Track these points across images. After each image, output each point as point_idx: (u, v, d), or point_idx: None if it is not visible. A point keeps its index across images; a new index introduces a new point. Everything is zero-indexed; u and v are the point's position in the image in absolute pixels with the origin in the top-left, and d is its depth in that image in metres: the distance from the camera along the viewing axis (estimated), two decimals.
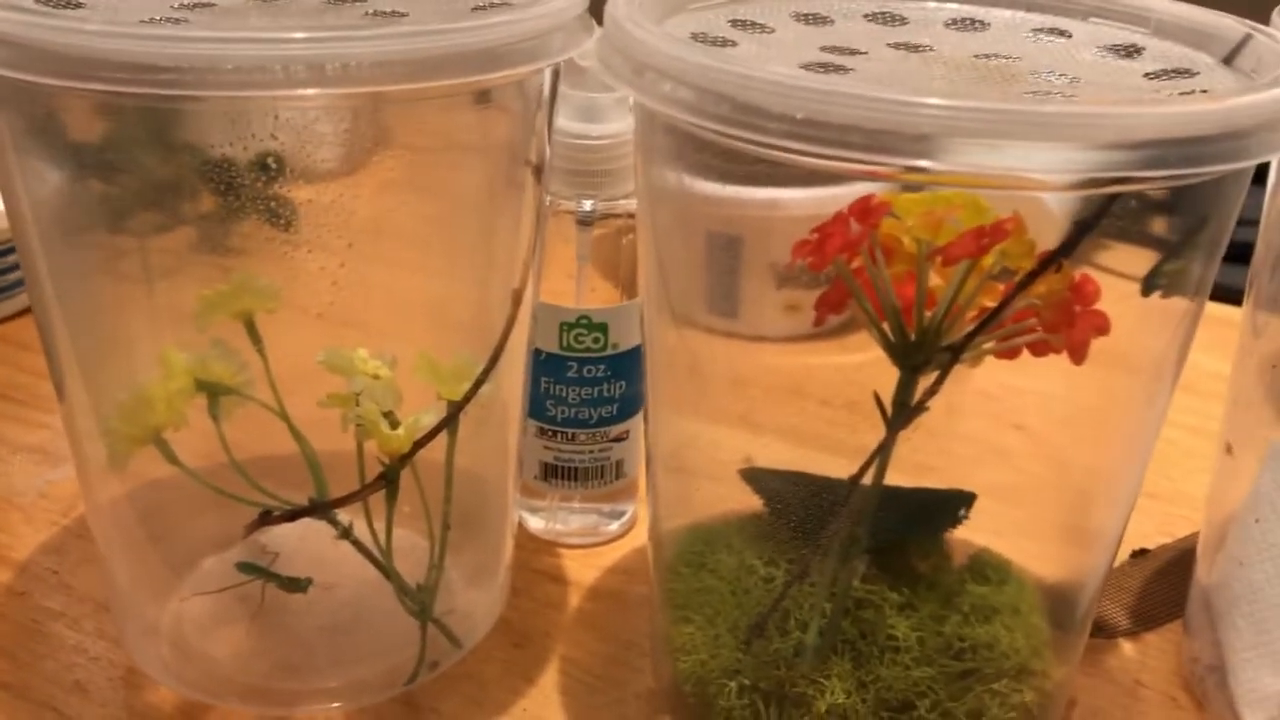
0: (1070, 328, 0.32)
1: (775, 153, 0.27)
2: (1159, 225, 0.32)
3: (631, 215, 0.42)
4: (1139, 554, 0.46)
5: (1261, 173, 0.36)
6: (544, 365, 0.43)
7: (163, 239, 0.37)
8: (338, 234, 0.36)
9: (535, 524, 0.47)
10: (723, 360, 0.38)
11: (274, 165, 0.34)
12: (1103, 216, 0.30)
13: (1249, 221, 0.36)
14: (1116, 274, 0.32)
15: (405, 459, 0.35)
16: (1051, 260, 0.31)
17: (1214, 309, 0.34)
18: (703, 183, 0.35)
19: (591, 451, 0.45)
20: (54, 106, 0.33)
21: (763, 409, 0.37)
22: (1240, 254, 0.37)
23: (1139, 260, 0.33)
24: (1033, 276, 0.31)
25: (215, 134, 0.33)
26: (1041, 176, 0.27)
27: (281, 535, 0.38)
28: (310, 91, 0.29)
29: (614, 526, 0.47)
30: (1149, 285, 0.33)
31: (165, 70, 0.28)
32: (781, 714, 0.34)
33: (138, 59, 0.28)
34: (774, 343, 0.38)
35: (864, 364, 0.36)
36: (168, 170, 0.36)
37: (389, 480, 0.35)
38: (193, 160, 0.35)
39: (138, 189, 0.36)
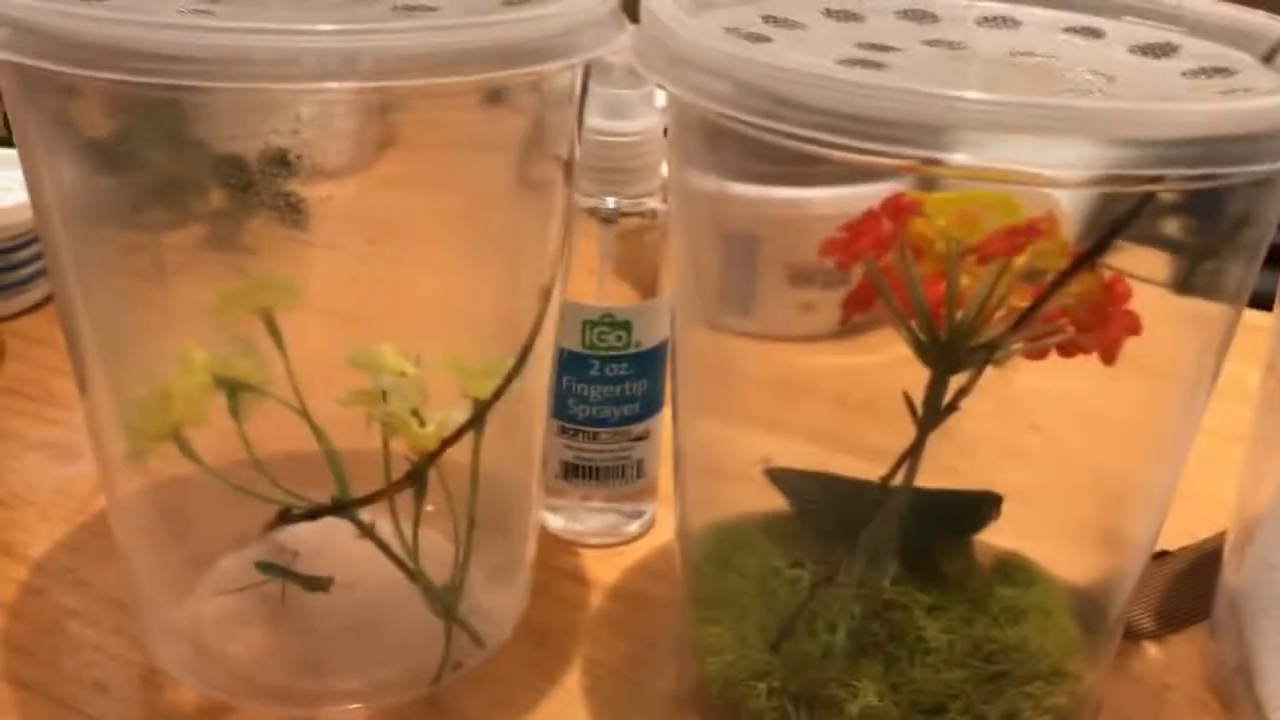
0: (1103, 327, 0.31)
1: (813, 147, 0.27)
2: (1193, 226, 0.32)
3: (654, 213, 0.42)
4: (1161, 556, 0.46)
5: None
6: (566, 363, 0.43)
7: (182, 235, 0.37)
8: (359, 231, 0.36)
9: (555, 523, 0.46)
10: (746, 360, 0.38)
11: (295, 161, 0.33)
12: (1138, 215, 0.30)
13: None
14: (1147, 280, 0.31)
15: (433, 457, 0.35)
16: (1086, 259, 0.30)
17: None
18: (733, 183, 0.35)
19: (613, 450, 0.44)
20: (80, 98, 0.33)
21: (781, 409, 0.37)
22: (1269, 257, 0.37)
23: (1170, 266, 0.32)
24: (1067, 275, 0.31)
25: (234, 128, 0.33)
26: (1082, 173, 0.27)
27: (302, 534, 0.38)
28: (340, 85, 0.29)
29: (634, 527, 0.47)
30: (1185, 285, 0.33)
31: (196, 61, 0.27)
32: (812, 717, 0.34)
33: (166, 49, 0.28)
34: (791, 342, 0.37)
35: (880, 364, 0.36)
36: (188, 166, 0.36)
37: (417, 479, 0.35)
38: (210, 156, 0.35)
39: (158, 185, 0.36)
